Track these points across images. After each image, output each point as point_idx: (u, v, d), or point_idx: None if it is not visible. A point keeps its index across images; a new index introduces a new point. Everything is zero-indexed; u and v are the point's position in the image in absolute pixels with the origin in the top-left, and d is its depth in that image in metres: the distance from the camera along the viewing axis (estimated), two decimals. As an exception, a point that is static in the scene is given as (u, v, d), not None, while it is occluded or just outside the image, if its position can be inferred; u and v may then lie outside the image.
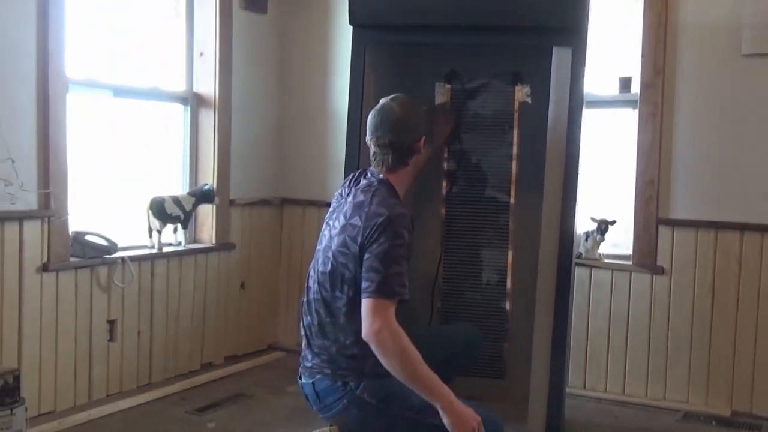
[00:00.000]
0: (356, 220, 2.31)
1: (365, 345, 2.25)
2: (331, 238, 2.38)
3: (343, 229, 2.33)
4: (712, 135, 3.37)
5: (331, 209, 2.49)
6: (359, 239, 2.27)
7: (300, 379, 2.44)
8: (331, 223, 2.43)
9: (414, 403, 2.26)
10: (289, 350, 4.22)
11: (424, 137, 2.42)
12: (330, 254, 2.35)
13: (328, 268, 2.35)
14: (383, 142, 2.39)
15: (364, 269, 2.25)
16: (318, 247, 2.45)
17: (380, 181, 2.41)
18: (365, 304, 2.22)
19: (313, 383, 2.37)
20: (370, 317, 2.20)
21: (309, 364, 2.39)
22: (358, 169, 2.89)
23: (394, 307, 2.23)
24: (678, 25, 3.40)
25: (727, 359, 3.36)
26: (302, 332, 2.45)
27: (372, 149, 2.43)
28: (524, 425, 2.73)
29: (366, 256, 2.25)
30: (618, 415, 3.40)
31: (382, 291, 2.21)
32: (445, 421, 2.19)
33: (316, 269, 2.41)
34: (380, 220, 2.27)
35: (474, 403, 2.34)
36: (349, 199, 2.41)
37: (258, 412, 3.35)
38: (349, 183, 2.51)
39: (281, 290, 4.38)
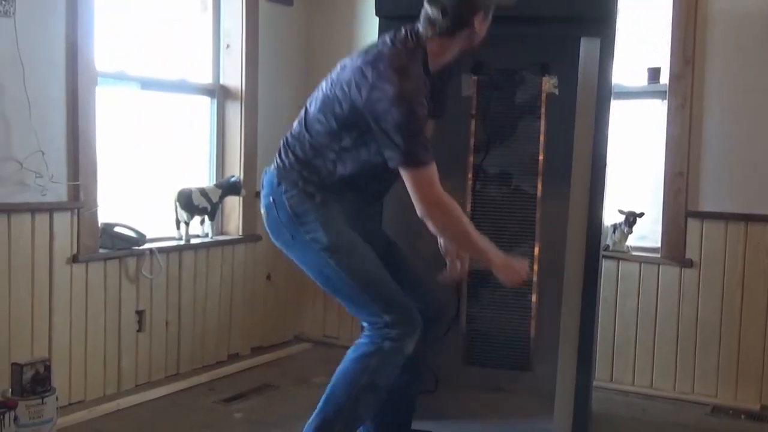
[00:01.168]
0: (369, 71, 2.25)
1: (312, 172, 2.38)
2: (343, 68, 2.37)
3: (354, 70, 2.30)
4: (742, 127, 3.33)
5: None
6: (364, 94, 2.24)
7: None
8: (350, 58, 2.40)
9: (318, 237, 2.38)
10: (314, 341, 4.24)
11: (481, 12, 2.30)
12: (331, 82, 2.38)
13: (327, 92, 2.38)
14: (437, 3, 2.29)
15: (388, 136, 2.24)
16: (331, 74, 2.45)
17: (417, 44, 2.33)
18: (406, 176, 2.27)
19: (265, 171, 2.51)
20: (417, 195, 2.27)
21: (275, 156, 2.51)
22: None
23: (432, 173, 2.28)
24: (708, 14, 3.36)
25: (757, 353, 3.33)
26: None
27: (424, 9, 2.32)
28: (551, 418, 2.73)
29: (383, 125, 2.23)
30: (645, 408, 3.39)
31: (412, 160, 2.24)
32: (498, 275, 2.43)
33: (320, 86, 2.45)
34: (390, 90, 2.21)
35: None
36: (380, 44, 2.37)
37: (284, 403, 3.37)
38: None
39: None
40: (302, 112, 2.47)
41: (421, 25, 2.32)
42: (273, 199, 2.41)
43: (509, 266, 2.43)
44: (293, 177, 2.39)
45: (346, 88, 2.29)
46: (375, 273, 2.43)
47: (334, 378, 2.44)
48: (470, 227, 2.38)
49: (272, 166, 2.47)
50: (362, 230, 2.49)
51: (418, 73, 2.29)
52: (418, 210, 2.29)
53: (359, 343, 2.44)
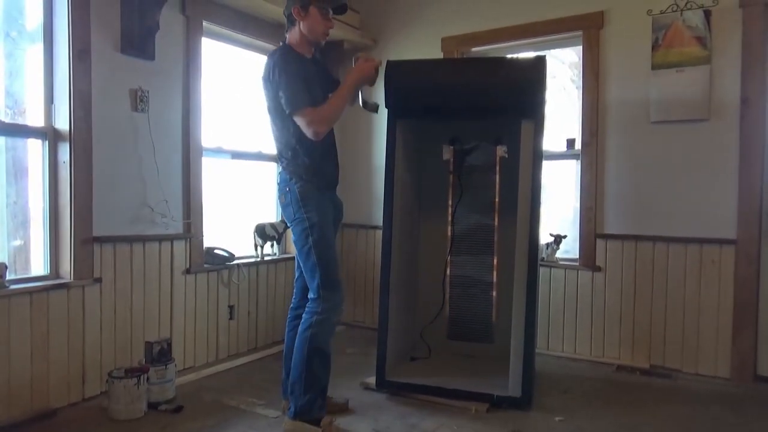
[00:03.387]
0: (264, 76, 2.30)
1: (296, 160, 2.32)
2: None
3: (264, 89, 2.33)
4: (631, 177, 3.31)
5: None
6: (269, 83, 2.27)
7: None
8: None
9: (311, 216, 2.30)
10: (347, 324, 4.20)
11: (296, 7, 2.31)
12: (266, 109, 2.36)
13: (269, 117, 2.37)
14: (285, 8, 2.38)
15: (280, 94, 2.23)
16: None
17: (282, 45, 2.37)
18: (296, 121, 2.24)
19: (279, 174, 2.45)
20: (305, 128, 2.24)
21: (278, 165, 2.48)
22: (392, 202, 2.88)
23: (308, 109, 2.22)
24: (606, 103, 3.36)
25: (645, 328, 3.27)
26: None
27: None
28: (507, 375, 2.69)
29: (277, 88, 2.24)
30: (571, 367, 3.32)
31: (290, 106, 2.22)
32: (362, 80, 2.37)
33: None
34: (268, 65, 2.27)
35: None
36: None
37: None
38: None
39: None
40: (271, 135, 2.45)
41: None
42: (288, 189, 2.34)
43: (361, 69, 2.36)
44: (298, 173, 2.33)
45: (267, 100, 2.32)
46: (331, 255, 2.34)
47: (294, 352, 2.36)
48: (334, 104, 2.30)
49: (282, 170, 2.40)
50: (332, 216, 2.45)
51: (287, 55, 2.30)
52: (311, 136, 2.25)
53: (302, 319, 2.35)
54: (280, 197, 2.41)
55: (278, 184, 2.43)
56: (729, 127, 3.03)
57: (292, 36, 2.38)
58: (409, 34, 3.97)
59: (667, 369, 3.19)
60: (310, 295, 2.35)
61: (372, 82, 2.40)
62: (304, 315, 2.36)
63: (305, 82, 2.25)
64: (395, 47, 3.98)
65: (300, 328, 2.34)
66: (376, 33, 4.07)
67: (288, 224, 2.40)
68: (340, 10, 2.43)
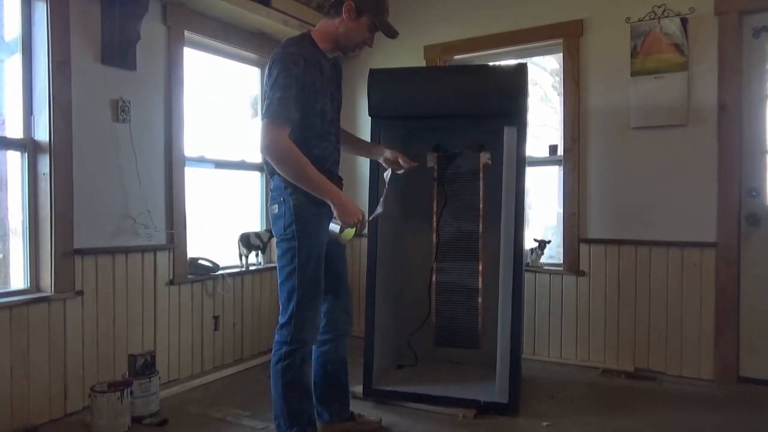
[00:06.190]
0: (269, 65, 2.00)
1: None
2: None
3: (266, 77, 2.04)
4: (612, 182, 3.35)
5: None
6: (268, 78, 1.98)
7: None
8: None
9: (301, 235, 2.03)
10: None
11: (351, 3, 2.03)
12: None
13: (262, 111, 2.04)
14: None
15: (268, 94, 1.95)
16: None
17: (303, 35, 2.07)
18: (262, 127, 1.93)
19: (273, 179, 2.12)
20: (261, 136, 1.92)
21: (268, 171, 2.13)
22: (375, 216, 2.83)
23: (283, 128, 1.91)
24: (587, 109, 3.40)
25: (629, 332, 3.30)
26: None
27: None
28: (494, 381, 2.70)
29: (269, 86, 1.96)
30: (557, 371, 3.34)
31: (268, 113, 1.90)
32: (336, 213, 1.96)
33: None
34: (274, 56, 1.96)
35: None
36: None
37: (314, 376, 3.30)
38: None
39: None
40: None
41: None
42: (283, 199, 2.06)
43: (346, 207, 1.97)
44: (291, 182, 2.04)
45: (266, 87, 2.01)
46: (315, 284, 2.09)
47: (271, 384, 2.14)
48: (308, 166, 1.93)
49: (276, 177, 2.08)
50: (327, 237, 2.16)
51: (300, 50, 1.99)
52: (260, 149, 1.94)
53: (273, 350, 2.12)
54: (271, 207, 2.11)
55: (271, 191, 2.12)
56: (707, 132, 3.09)
57: (323, 26, 2.10)
58: (391, 43, 3.98)
59: (652, 372, 3.23)
60: (281, 320, 2.09)
61: (347, 225, 2.00)
62: (273, 345, 2.11)
63: (301, 92, 1.97)
64: (378, 56, 4.01)
65: (271, 361, 2.11)
66: (359, 41, 4.09)
67: (275, 237, 2.14)
68: (392, 35, 2.15)
